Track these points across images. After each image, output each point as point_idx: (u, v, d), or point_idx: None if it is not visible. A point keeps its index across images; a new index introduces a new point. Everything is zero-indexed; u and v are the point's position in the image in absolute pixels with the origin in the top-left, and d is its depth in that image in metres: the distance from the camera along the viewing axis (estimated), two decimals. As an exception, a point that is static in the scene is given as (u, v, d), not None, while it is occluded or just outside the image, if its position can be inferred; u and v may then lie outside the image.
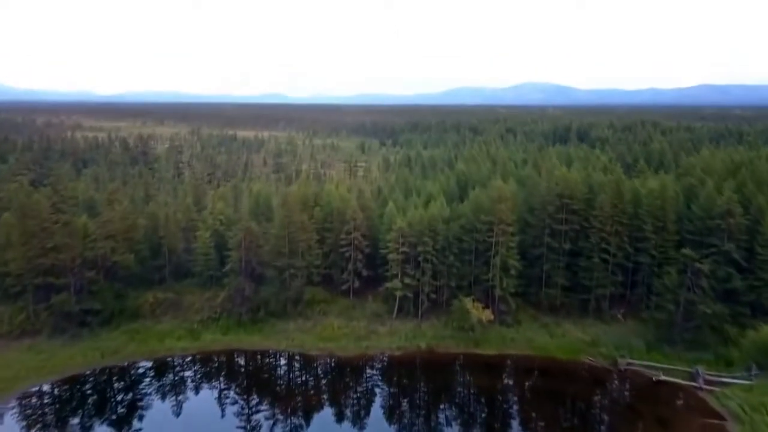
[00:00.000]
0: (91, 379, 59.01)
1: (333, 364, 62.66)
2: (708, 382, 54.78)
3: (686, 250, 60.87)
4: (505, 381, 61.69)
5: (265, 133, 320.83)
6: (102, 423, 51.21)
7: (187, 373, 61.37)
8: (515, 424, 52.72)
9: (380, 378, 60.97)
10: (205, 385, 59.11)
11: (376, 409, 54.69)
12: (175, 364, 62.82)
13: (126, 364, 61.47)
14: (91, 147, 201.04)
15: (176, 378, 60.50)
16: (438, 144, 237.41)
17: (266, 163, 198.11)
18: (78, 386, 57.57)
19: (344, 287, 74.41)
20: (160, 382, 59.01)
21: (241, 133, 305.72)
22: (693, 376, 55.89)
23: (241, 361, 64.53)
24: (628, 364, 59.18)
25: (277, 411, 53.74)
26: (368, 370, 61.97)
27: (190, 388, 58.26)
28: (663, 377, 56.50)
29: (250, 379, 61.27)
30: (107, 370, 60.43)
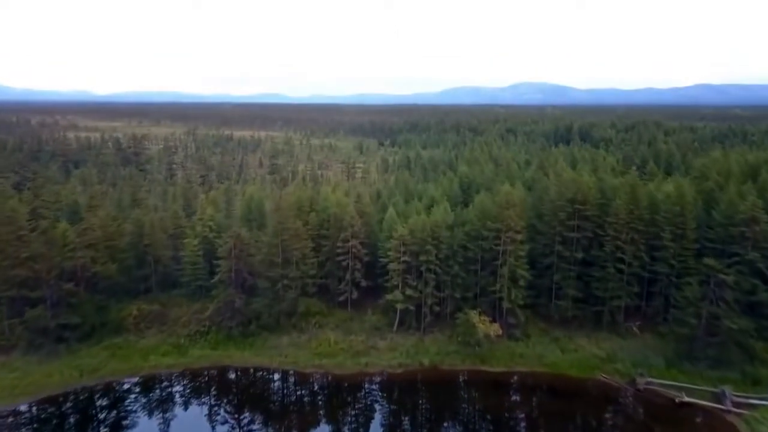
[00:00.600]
0: (71, 397, 55.03)
1: (329, 382, 58.38)
2: (736, 404, 50.68)
3: (709, 260, 56.71)
4: (513, 400, 57.62)
5: (262, 133, 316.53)
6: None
7: (173, 392, 57.26)
8: (524, 447, 48.77)
9: (380, 397, 56.88)
10: (193, 404, 55.17)
11: (376, 428, 51.23)
12: (161, 381, 58.58)
13: (107, 382, 57.23)
14: (83, 147, 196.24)
15: (162, 397, 56.31)
16: (437, 144, 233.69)
17: (262, 163, 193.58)
18: (56, 406, 53.56)
19: (341, 299, 69.91)
20: (144, 402, 54.91)
21: (238, 133, 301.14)
22: (719, 397, 51.73)
23: (231, 379, 60.14)
24: (647, 383, 54.92)
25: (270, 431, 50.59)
26: (367, 389, 57.70)
27: (177, 408, 54.46)
28: (686, 399, 52.26)
29: (241, 397, 57.03)
30: (89, 389, 56.24)
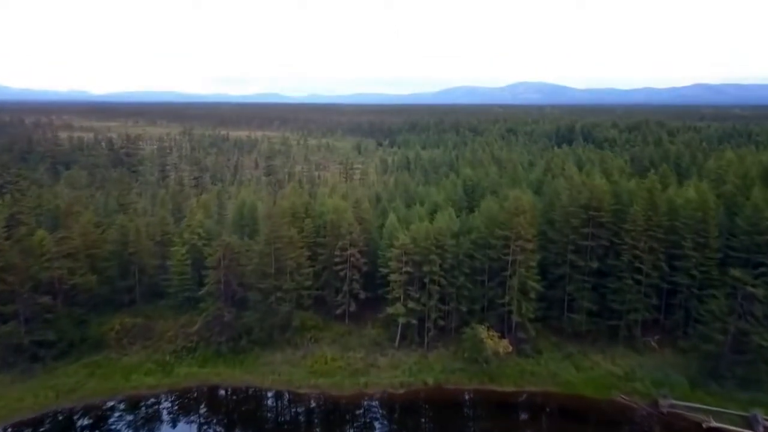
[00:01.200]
0: (48, 420, 50.76)
1: (325, 404, 53.97)
2: (769, 431, 46.49)
3: (736, 272, 52.53)
4: (523, 422, 53.56)
5: (259, 133, 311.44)
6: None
7: (159, 414, 52.99)
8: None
9: (380, 419, 52.78)
10: (179, 427, 51.03)
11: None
12: (145, 401, 54.11)
13: (85, 404, 52.76)
14: (75, 148, 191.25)
15: (147, 417, 52.06)
16: (437, 144, 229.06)
17: (258, 164, 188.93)
18: (31, 429, 49.62)
19: (339, 311, 65.41)
20: (126, 424, 50.67)
21: (234, 134, 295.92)
22: (750, 422, 47.62)
23: (220, 400, 55.72)
24: (671, 405, 50.67)
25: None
26: (366, 411, 53.40)
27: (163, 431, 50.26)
28: (714, 423, 48.06)
29: (231, 419, 52.65)
30: (66, 411, 51.96)
